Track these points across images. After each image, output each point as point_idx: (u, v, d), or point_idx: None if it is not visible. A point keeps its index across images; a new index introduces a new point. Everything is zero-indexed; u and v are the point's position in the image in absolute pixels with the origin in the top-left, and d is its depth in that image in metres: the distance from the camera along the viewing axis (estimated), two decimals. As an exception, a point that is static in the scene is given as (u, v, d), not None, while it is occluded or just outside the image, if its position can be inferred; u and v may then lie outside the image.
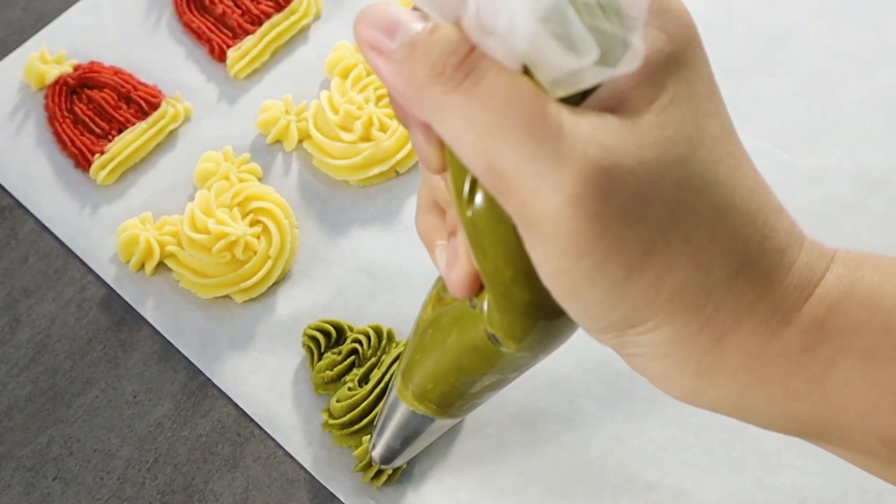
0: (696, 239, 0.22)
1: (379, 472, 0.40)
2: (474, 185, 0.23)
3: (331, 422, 0.42)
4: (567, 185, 0.20)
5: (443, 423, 0.34)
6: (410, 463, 0.41)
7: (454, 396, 0.31)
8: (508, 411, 0.42)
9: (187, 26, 0.56)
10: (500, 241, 0.23)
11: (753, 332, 0.23)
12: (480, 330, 0.27)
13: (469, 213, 0.23)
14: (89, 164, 0.51)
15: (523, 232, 0.22)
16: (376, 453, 0.38)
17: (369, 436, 0.40)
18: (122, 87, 0.53)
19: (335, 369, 0.43)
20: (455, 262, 0.26)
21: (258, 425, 0.43)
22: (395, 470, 0.40)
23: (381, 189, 0.49)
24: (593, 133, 0.21)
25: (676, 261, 0.22)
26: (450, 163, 0.24)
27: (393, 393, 0.35)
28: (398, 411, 0.35)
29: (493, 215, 0.23)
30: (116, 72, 0.54)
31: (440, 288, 0.30)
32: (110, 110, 0.52)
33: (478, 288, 0.26)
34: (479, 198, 0.23)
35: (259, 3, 0.55)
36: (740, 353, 0.23)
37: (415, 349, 0.31)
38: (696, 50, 0.23)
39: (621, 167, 0.21)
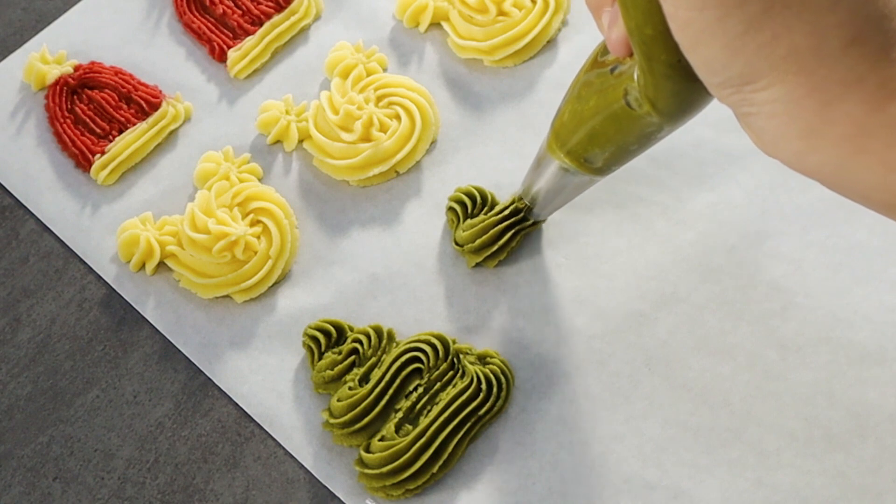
0: (814, 7, 0.24)
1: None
2: None
3: (331, 421, 0.42)
4: None
5: (583, 179, 0.37)
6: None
7: (596, 155, 0.34)
8: (509, 411, 0.42)
9: (188, 27, 0.56)
10: None
11: (860, 102, 0.24)
12: (620, 96, 0.30)
13: None
14: (90, 164, 0.51)
15: None
16: (523, 204, 0.42)
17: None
18: (123, 87, 0.53)
19: (336, 369, 0.43)
20: (615, 22, 0.29)
21: (258, 425, 0.43)
22: (536, 222, 0.45)
23: (381, 189, 0.49)
24: None
25: (793, 23, 0.24)
26: None
27: (543, 150, 0.38)
28: (547, 165, 0.38)
29: None
30: (117, 72, 0.54)
31: (598, 53, 0.33)
32: (111, 110, 0.52)
33: (630, 48, 0.29)
34: None
35: (259, 3, 0.55)
36: (846, 120, 0.25)
37: (564, 109, 0.34)
38: None
39: None
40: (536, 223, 0.45)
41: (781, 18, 0.24)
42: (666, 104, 0.29)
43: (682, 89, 0.28)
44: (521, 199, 0.44)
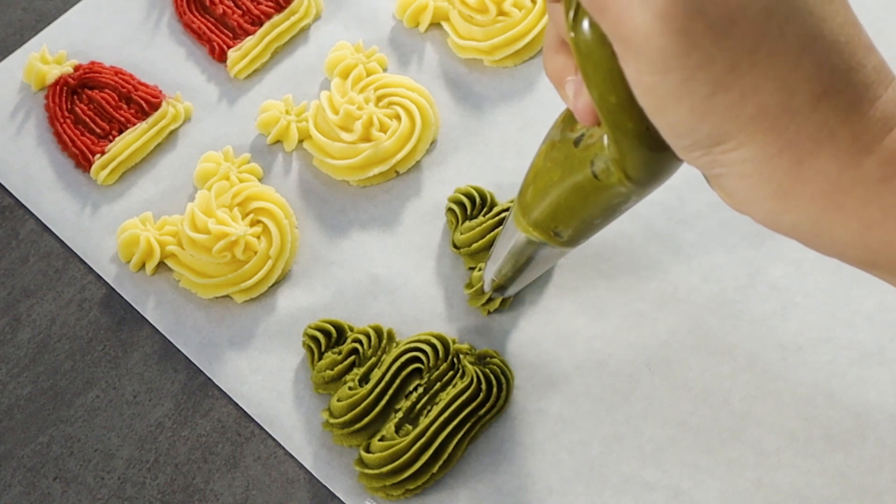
0: (781, 62, 0.23)
1: (489, 300, 0.44)
2: (578, 9, 0.25)
3: (331, 421, 0.42)
4: (657, 1, 0.22)
5: (554, 252, 0.36)
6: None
7: (566, 227, 0.34)
8: (509, 411, 0.42)
9: (188, 27, 0.56)
10: (601, 64, 0.25)
11: (833, 158, 0.24)
12: (586, 166, 0.30)
13: (573, 35, 0.26)
14: (90, 164, 0.51)
15: (618, 49, 0.24)
16: (488, 281, 0.41)
17: (480, 266, 0.43)
18: (123, 87, 0.53)
19: (336, 369, 0.43)
20: (580, 91, 0.28)
21: (258, 425, 0.43)
22: (506, 299, 0.44)
23: (381, 189, 0.49)
24: None
25: (761, 82, 0.23)
26: None
27: (510, 221, 0.37)
28: (513, 238, 0.37)
29: (595, 38, 0.25)
30: (117, 72, 0.54)
31: (560, 125, 0.32)
32: (111, 110, 0.52)
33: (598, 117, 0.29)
34: (584, 23, 0.25)
35: (259, 3, 0.55)
36: (819, 177, 0.24)
37: (529, 182, 0.34)
38: None
39: None
40: (505, 301, 0.44)
41: (749, 78, 0.23)
42: (636, 172, 0.28)
43: (652, 156, 0.28)
44: (492, 280, 0.41)
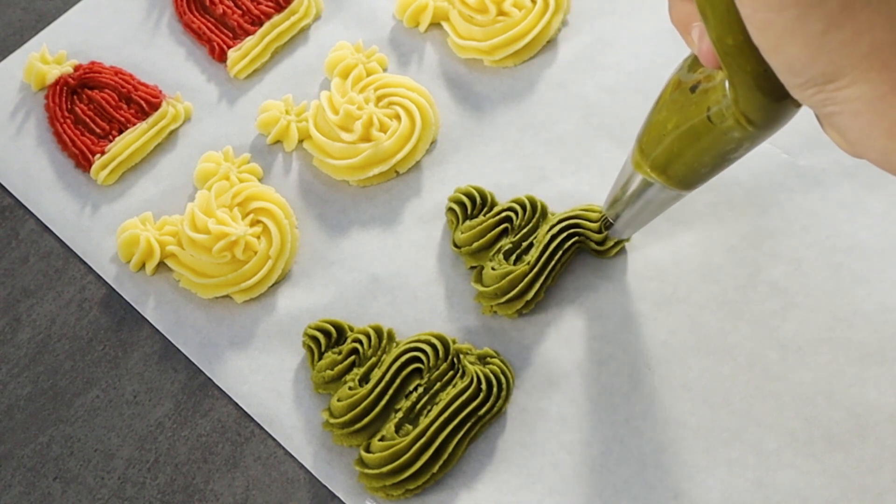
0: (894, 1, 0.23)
1: (612, 244, 0.44)
2: None
3: (332, 421, 0.42)
4: None
5: (671, 195, 0.37)
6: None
7: (680, 169, 0.34)
8: (509, 411, 0.42)
9: (188, 27, 0.56)
10: (718, 5, 0.26)
11: None
12: (702, 111, 0.31)
13: None
14: (90, 164, 0.51)
15: None
16: (607, 221, 0.42)
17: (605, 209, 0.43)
18: (123, 87, 0.53)
19: (336, 369, 0.43)
20: (703, 36, 0.29)
21: (258, 425, 0.43)
22: (620, 241, 0.45)
23: (381, 189, 0.49)
24: None
25: (874, 19, 0.23)
26: None
27: (627, 164, 0.37)
28: (631, 181, 0.38)
29: None
30: (117, 72, 0.54)
31: (680, 72, 0.33)
32: (111, 110, 0.52)
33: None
34: None
35: (259, 3, 0.55)
36: None
37: (649, 124, 0.35)
38: None
39: None
40: (619, 243, 0.45)
41: (862, 15, 0.23)
42: (754, 114, 0.29)
43: (768, 101, 0.28)
44: (603, 215, 0.43)
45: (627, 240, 0.45)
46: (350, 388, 0.42)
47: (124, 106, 0.53)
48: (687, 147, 0.33)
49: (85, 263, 0.49)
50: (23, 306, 0.48)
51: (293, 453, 0.42)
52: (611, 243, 0.45)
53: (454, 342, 0.43)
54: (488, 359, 0.43)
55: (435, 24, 0.54)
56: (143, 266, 0.48)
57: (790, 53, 0.25)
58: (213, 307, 0.47)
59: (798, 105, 0.28)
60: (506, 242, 0.45)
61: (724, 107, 0.29)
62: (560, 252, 0.44)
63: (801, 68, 0.25)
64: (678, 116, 0.33)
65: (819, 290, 0.43)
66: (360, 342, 0.44)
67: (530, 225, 0.45)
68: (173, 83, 0.54)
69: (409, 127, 0.49)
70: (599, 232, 0.44)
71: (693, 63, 0.32)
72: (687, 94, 0.32)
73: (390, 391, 0.42)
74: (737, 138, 0.31)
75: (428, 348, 0.43)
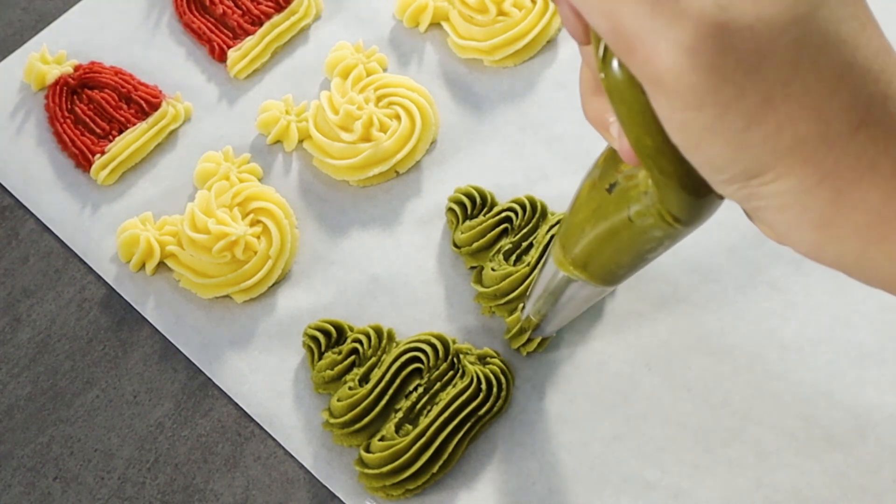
0: (816, 93, 0.23)
1: (528, 341, 0.43)
2: (606, 51, 0.25)
3: (331, 421, 0.42)
4: (684, 39, 0.22)
5: (595, 290, 0.36)
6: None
7: (602, 267, 0.34)
8: (509, 411, 0.42)
9: (188, 27, 0.56)
10: (634, 106, 0.25)
11: (875, 188, 0.24)
12: (621, 210, 0.30)
13: (603, 76, 0.25)
14: (90, 164, 0.51)
15: (648, 90, 0.24)
16: (526, 318, 0.41)
17: (518, 307, 0.42)
18: (123, 87, 0.53)
19: (336, 369, 0.43)
20: (623, 133, 0.28)
21: (258, 425, 0.43)
22: (544, 340, 0.43)
23: (381, 189, 0.49)
24: None
25: (796, 113, 0.23)
26: (592, 32, 0.26)
27: (550, 261, 0.36)
28: (553, 276, 0.37)
29: (625, 79, 0.25)
30: (117, 72, 0.54)
31: (597, 171, 0.32)
32: (111, 110, 0.52)
33: None
34: (613, 63, 0.25)
35: (259, 3, 0.55)
36: (861, 208, 0.24)
37: (568, 222, 0.34)
38: None
39: (737, 23, 0.22)
40: (544, 340, 0.43)
41: (784, 109, 0.23)
42: (679, 212, 0.28)
43: (695, 197, 0.28)
44: (528, 319, 0.42)
45: (552, 336, 0.44)
46: (350, 388, 0.42)
47: (124, 106, 0.53)
48: (606, 245, 0.32)
49: (85, 263, 0.49)
50: (23, 306, 0.48)
51: (293, 453, 0.42)
52: (535, 343, 0.43)
53: (454, 342, 0.43)
54: (488, 359, 0.43)
55: (435, 24, 0.54)
56: (143, 266, 0.48)
57: (712, 152, 0.24)
58: (213, 307, 0.47)
59: (722, 198, 0.28)
60: (506, 243, 0.45)
61: (647, 206, 0.29)
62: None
63: (724, 165, 0.24)
64: (596, 216, 0.32)
65: (819, 290, 0.43)
66: (360, 342, 0.44)
67: (530, 225, 0.45)
68: (173, 83, 0.54)
69: (409, 127, 0.49)
70: (522, 332, 0.43)
71: (607, 160, 0.32)
72: (604, 195, 0.31)
73: (390, 391, 0.42)
74: (658, 237, 0.30)
75: (428, 348, 0.43)
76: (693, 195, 0.27)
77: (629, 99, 0.25)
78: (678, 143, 0.25)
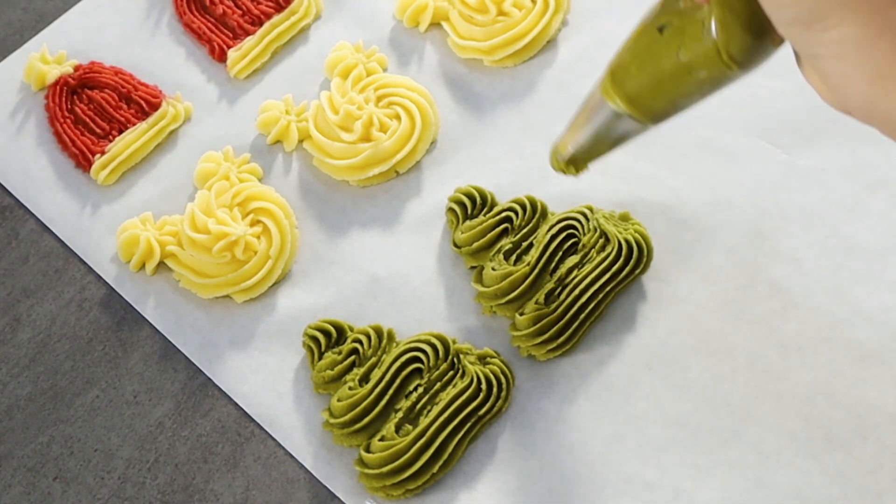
0: None
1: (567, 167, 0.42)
2: None
3: (332, 421, 0.42)
4: None
5: (634, 127, 0.37)
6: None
7: (651, 103, 0.34)
8: (509, 411, 0.42)
9: (188, 27, 0.56)
10: None
11: None
12: (673, 54, 0.31)
13: None
14: (90, 164, 0.51)
15: None
16: (565, 150, 0.40)
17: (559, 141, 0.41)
18: (123, 87, 0.53)
19: (336, 369, 0.43)
20: None
21: (258, 425, 0.43)
22: (579, 168, 0.41)
23: (381, 189, 0.49)
24: None
25: None
26: None
27: (595, 90, 0.37)
28: (598, 109, 0.37)
29: None
30: (117, 72, 0.54)
31: (654, 13, 0.33)
32: (111, 110, 0.52)
33: None
34: None
35: (259, 3, 0.55)
36: None
37: (622, 54, 0.34)
38: None
39: None
40: (578, 168, 0.42)
41: None
42: (740, 54, 0.29)
43: (755, 39, 0.29)
44: (556, 151, 0.42)
45: (584, 168, 0.42)
46: (350, 388, 0.42)
47: (124, 106, 0.53)
48: (651, 83, 0.33)
49: (85, 263, 0.49)
50: (23, 306, 0.48)
51: (293, 453, 0.42)
52: (573, 169, 0.41)
53: (454, 342, 0.43)
54: (488, 359, 0.43)
55: (435, 24, 0.54)
56: (143, 266, 0.48)
57: None
58: (213, 307, 0.47)
59: (778, 44, 0.29)
60: (506, 242, 0.45)
61: (704, 46, 0.30)
62: (560, 253, 0.44)
63: (789, 3, 0.25)
64: (645, 55, 0.33)
65: (819, 290, 0.43)
66: (360, 342, 0.44)
67: (530, 225, 0.45)
68: (173, 83, 0.54)
69: (409, 127, 0.49)
70: (560, 161, 0.42)
71: (664, 2, 0.33)
72: (655, 35, 0.32)
73: (390, 391, 0.42)
74: (703, 79, 0.31)
75: (428, 348, 0.43)
76: (755, 37, 0.28)
77: None
78: None
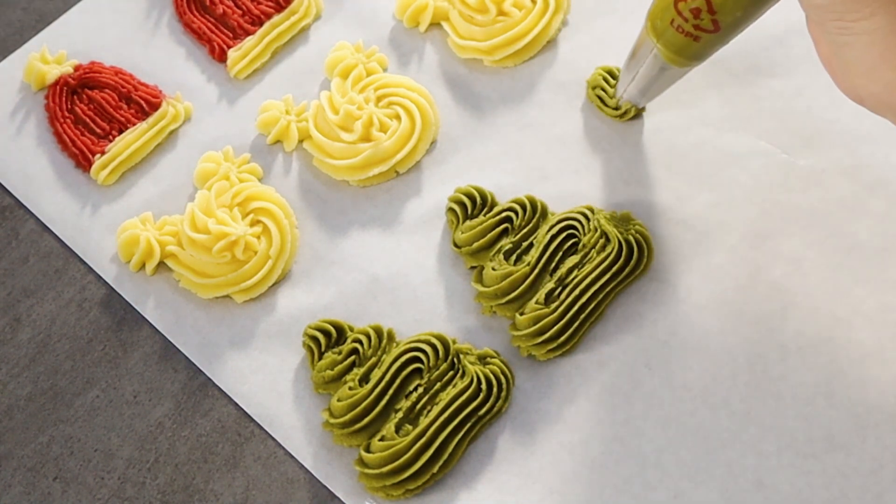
0: None
1: (625, 113, 0.48)
2: None
3: (332, 421, 0.42)
4: None
5: (679, 71, 0.42)
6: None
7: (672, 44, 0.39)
8: (509, 411, 0.42)
9: (188, 26, 0.56)
10: None
11: None
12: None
13: None
14: (90, 164, 0.51)
15: None
16: (624, 90, 0.46)
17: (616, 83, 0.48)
18: (123, 87, 0.53)
19: (336, 369, 0.43)
20: None
21: (258, 425, 0.43)
22: (639, 110, 0.49)
23: (381, 189, 0.49)
24: None
25: None
26: None
27: (641, 33, 0.41)
28: (645, 51, 0.42)
29: None
30: (117, 72, 0.54)
31: None
32: (111, 110, 0.52)
33: None
34: None
35: (259, 3, 0.55)
36: None
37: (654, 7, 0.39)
38: None
39: None
40: (639, 112, 0.49)
41: None
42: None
43: None
44: (617, 97, 0.48)
45: (643, 109, 0.49)
46: (350, 388, 0.42)
47: (124, 106, 0.53)
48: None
49: (85, 263, 0.49)
50: (23, 306, 0.48)
51: (293, 453, 0.42)
52: (626, 107, 0.48)
53: (454, 342, 0.43)
54: (488, 359, 0.43)
55: (435, 24, 0.54)
56: (143, 266, 0.48)
57: None
58: (213, 307, 0.47)
59: None
60: (506, 242, 0.45)
61: None
62: (560, 253, 0.44)
63: None
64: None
65: (819, 290, 0.43)
66: (360, 342, 0.44)
67: (530, 225, 0.45)
68: (173, 83, 0.54)
69: (409, 127, 0.49)
70: (616, 109, 0.49)
71: None
72: None
73: (390, 391, 0.42)
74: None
75: (428, 348, 0.43)
76: None
77: None
78: None
